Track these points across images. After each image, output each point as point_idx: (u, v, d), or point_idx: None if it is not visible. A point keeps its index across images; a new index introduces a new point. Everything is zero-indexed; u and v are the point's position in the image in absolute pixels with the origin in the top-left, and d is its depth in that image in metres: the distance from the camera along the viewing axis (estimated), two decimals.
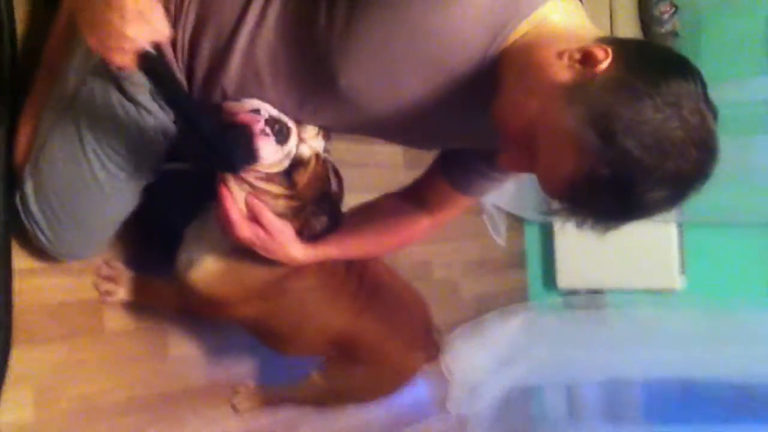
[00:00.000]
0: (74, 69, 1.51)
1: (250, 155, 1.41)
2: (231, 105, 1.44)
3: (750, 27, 3.40)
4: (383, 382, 2.18)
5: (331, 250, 1.66)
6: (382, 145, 2.80)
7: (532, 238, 3.86)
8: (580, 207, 1.21)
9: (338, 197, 1.63)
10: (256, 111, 1.42)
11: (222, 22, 1.39)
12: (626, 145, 1.11)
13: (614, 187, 1.14)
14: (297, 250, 1.60)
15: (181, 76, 1.45)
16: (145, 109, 1.48)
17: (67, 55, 1.53)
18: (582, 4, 1.35)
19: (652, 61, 1.18)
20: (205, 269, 1.70)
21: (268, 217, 1.52)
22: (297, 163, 1.49)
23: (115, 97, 1.47)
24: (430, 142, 1.62)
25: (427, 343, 2.18)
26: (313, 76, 1.37)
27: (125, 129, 1.49)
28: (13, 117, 1.60)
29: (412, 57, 1.29)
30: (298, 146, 1.48)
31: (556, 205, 1.25)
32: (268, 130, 1.42)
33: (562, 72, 1.18)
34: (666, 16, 3.27)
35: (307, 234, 1.59)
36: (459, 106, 1.35)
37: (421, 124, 1.43)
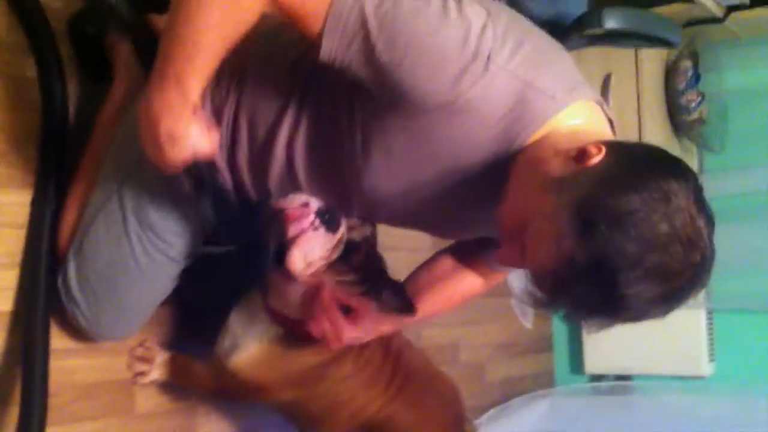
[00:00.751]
0: (121, 156, 1.56)
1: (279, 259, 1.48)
2: (279, 202, 1.48)
3: None
4: None
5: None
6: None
7: (559, 321, 3.83)
8: (561, 297, 1.19)
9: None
10: (305, 205, 1.46)
11: (257, 134, 1.45)
12: (607, 235, 1.10)
13: (594, 278, 1.12)
14: (384, 325, 1.68)
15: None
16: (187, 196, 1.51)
17: (114, 142, 1.59)
18: (608, 101, 1.37)
19: (644, 159, 1.18)
20: (249, 355, 1.72)
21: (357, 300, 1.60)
22: (350, 247, 1.54)
23: (160, 184, 1.51)
24: (452, 233, 1.68)
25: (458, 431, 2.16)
26: (341, 177, 1.42)
27: (168, 215, 1.54)
28: (58, 201, 1.64)
29: (428, 163, 1.32)
30: (349, 232, 1.53)
31: (538, 294, 1.22)
32: (318, 222, 1.47)
33: (556, 168, 1.19)
34: (692, 104, 3.31)
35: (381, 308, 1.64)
36: (475, 201, 1.38)
37: (443, 218, 1.48)
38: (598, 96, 1.34)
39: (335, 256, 1.53)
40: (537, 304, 1.23)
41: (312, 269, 1.51)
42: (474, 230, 1.61)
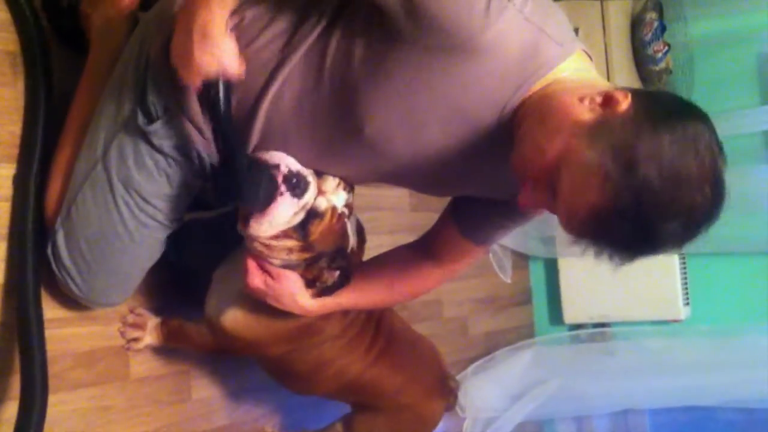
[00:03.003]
0: (104, 123, 1.58)
1: (267, 199, 1.48)
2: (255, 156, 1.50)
3: (741, 60, 3.49)
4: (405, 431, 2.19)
5: (341, 300, 1.71)
6: (389, 189, 2.87)
7: (537, 274, 3.89)
8: (600, 237, 1.24)
9: (356, 256, 1.69)
10: (276, 167, 1.47)
11: (249, 84, 1.44)
12: (647, 174, 1.17)
13: (634, 215, 1.19)
14: (307, 300, 1.66)
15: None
16: (174, 160, 1.55)
17: (96, 110, 1.60)
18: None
19: (668, 104, 1.26)
20: (235, 314, 1.75)
21: (271, 266, 1.60)
22: (312, 214, 1.53)
23: (145, 149, 1.54)
24: (449, 189, 1.66)
25: (444, 391, 2.20)
26: (338, 126, 1.42)
27: (154, 179, 1.56)
28: (43, 171, 1.66)
29: (437, 107, 1.33)
30: (315, 198, 1.53)
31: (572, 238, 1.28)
32: (283, 188, 1.48)
33: (585, 113, 1.24)
34: (659, 54, 3.34)
35: (318, 286, 1.65)
36: (479, 154, 1.40)
37: (442, 172, 1.47)
38: (585, 46, 1.40)
39: (295, 221, 1.52)
40: (579, 247, 1.28)
41: (275, 231, 1.53)
42: (474, 187, 1.59)
